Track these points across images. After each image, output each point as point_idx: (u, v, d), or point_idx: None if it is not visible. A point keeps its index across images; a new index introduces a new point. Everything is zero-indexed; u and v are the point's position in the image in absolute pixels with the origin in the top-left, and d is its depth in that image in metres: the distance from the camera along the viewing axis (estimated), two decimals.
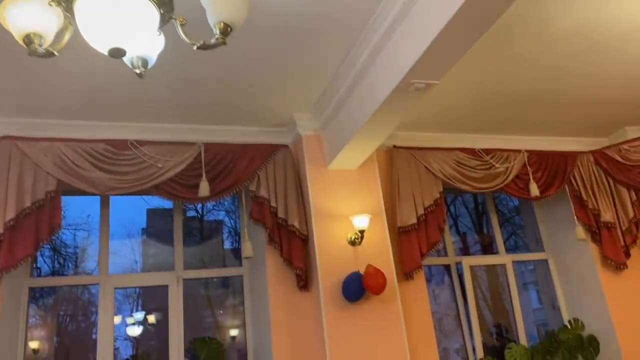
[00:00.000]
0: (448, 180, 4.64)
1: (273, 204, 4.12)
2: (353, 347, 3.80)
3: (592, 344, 4.60)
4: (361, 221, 4.06)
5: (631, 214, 4.93)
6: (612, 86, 4.33)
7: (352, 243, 4.10)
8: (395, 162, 4.58)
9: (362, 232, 4.07)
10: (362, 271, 3.92)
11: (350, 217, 4.10)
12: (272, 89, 3.88)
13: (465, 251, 7.35)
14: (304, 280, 4.05)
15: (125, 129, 4.07)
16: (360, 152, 4.09)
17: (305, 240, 4.10)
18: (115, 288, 4.24)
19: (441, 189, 4.61)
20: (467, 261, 5.05)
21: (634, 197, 4.96)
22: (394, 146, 4.63)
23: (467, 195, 9.17)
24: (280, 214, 4.10)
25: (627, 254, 4.90)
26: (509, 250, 5.38)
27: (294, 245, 4.07)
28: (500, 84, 4.16)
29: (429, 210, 4.47)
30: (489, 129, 4.94)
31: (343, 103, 3.88)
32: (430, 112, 4.46)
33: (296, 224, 4.08)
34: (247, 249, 4.09)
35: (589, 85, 4.29)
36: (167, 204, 4.79)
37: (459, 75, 3.88)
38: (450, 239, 5.17)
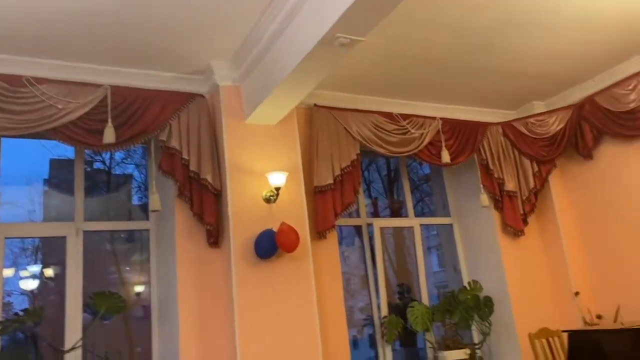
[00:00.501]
0: (366, 143, 4.65)
1: (185, 155, 3.92)
2: (262, 304, 3.77)
3: (487, 304, 4.89)
4: (277, 178, 3.98)
5: (532, 185, 5.23)
6: (526, 60, 4.50)
7: (267, 200, 4.01)
8: (315, 121, 4.51)
9: (277, 189, 3.99)
10: (275, 229, 3.86)
11: (266, 174, 4.00)
12: (189, 33, 3.63)
13: (375, 215, 7.55)
14: (215, 236, 3.93)
15: (22, 63, 3.65)
16: (280, 108, 3.96)
17: (217, 195, 3.96)
18: (7, 238, 3.88)
19: (358, 151, 4.62)
20: (378, 223, 5.16)
21: (536, 169, 5.25)
22: (315, 105, 4.55)
23: (381, 163, 9.42)
24: (192, 167, 3.91)
25: (525, 222, 5.22)
26: (417, 215, 5.57)
27: (206, 200, 3.92)
28: (422, 50, 4.19)
29: (345, 171, 4.47)
30: (408, 95, 4.98)
31: (265, 54, 3.72)
32: (353, 73, 4.41)
33: (209, 178, 3.91)
34: (154, 201, 3.88)
35: (506, 58, 4.42)
36: (71, 154, 4.43)
37: (383, 38, 3.86)
38: (363, 201, 5.24)
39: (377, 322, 4.91)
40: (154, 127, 3.90)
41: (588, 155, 5.14)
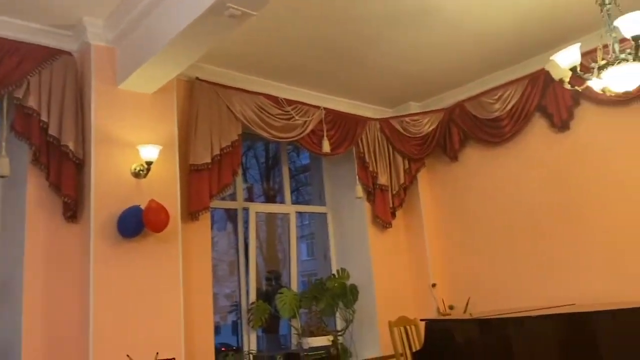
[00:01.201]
0: (248, 124, 4.52)
1: (44, 118, 3.48)
2: (122, 286, 3.49)
3: (352, 292, 5.04)
4: (149, 152, 3.70)
5: (402, 180, 5.47)
6: (407, 60, 4.67)
7: (137, 175, 3.72)
8: (196, 95, 4.28)
9: (149, 164, 3.72)
10: (143, 206, 3.59)
11: (137, 146, 3.70)
12: None
13: (250, 201, 7.42)
14: (73, 209, 3.55)
15: None
16: (159, 77, 3.69)
17: (79, 165, 3.58)
18: None
19: (240, 132, 4.48)
20: (254, 207, 5.07)
21: (407, 166, 5.51)
22: (197, 78, 4.32)
23: (259, 150, 9.31)
24: (52, 131, 3.50)
25: (394, 215, 5.46)
26: (293, 204, 5.58)
27: (65, 170, 3.52)
28: (311, 38, 4.16)
29: (225, 151, 4.31)
30: (295, 81, 4.94)
31: (146, 15, 3.42)
32: (241, 52, 4.26)
33: (71, 145, 3.52)
34: (2, 166, 3.39)
35: (389, 56, 4.55)
36: None
37: (274, 21, 3.77)
38: (241, 185, 5.11)
39: (244, 308, 4.82)
40: (8, 82, 3.41)
41: (454, 157, 5.50)
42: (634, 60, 2.87)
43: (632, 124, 4.27)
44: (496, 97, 5.06)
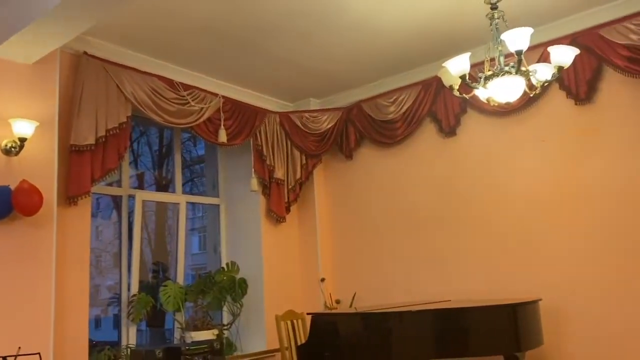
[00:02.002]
0: (140, 106, 4.27)
1: None
2: None
3: (241, 286, 4.96)
4: (23, 127, 3.38)
5: (298, 175, 5.48)
6: (309, 55, 4.66)
7: (7, 152, 3.39)
8: (82, 71, 3.96)
9: (22, 140, 3.40)
10: (13, 187, 3.26)
11: (9, 120, 3.36)
12: None
13: (141, 189, 7.05)
14: None
15: None
16: (40, 45, 3.38)
17: None
18: None
19: (129, 114, 4.22)
20: (141, 195, 4.81)
21: (304, 161, 5.53)
22: (85, 53, 4.00)
23: (153, 137, 8.87)
24: None
25: (288, 210, 5.45)
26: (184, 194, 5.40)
27: None
28: (210, 22, 4.00)
29: (111, 132, 4.03)
30: (192, 65, 4.74)
31: None
32: (135, 28, 4.00)
33: None
34: None
35: (292, 49, 4.51)
36: None
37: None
38: (127, 171, 4.82)
39: (124, 301, 4.55)
40: None
41: (349, 155, 5.61)
42: (516, 73, 3.09)
43: (510, 134, 4.61)
44: (392, 99, 5.24)
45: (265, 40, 4.34)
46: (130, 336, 4.49)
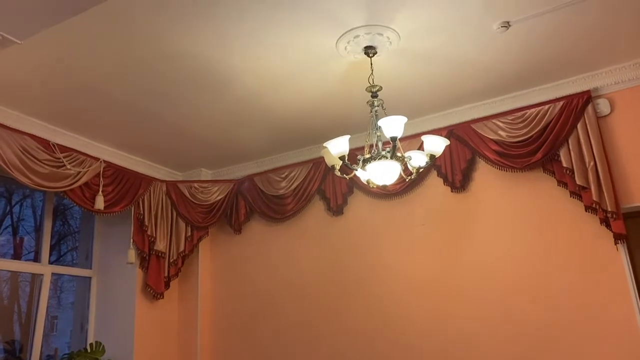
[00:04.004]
0: (6, 167, 3.91)
1: None
2: None
3: None
4: None
5: (182, 248, 5.21)
6: (203, 125, 4.58)
7: None
8: None
9: None
10: None
11: None
12: None
13: (17, 257, 6.34)
14: None
15: None
16: None
17: None
18: None
19: None
20: None
21: (189, 233, 5.29)
22: None
23: (38, 199, 8.18)
24: None
25: (167, 285, 5.11)
26: (65, 262, 4.95)
27: None
28: (94, 83, 3.80)
29: None
30: (73, 127, 4.46)
31: None
32: (8, 82, 3.72)
33: None
34: None
35: (185, 116, 4.40)
36: None
37: (54, 57, 3.39)
38: None
39: None
40: None
41: (238, 229, 5.46)
42: (391, 158, 3.20)
43: (393, 216, 4.73)
44: (284, 175, 5.24)
45: (155, 106, 4.20)
46: None
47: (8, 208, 5.49)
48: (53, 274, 4.81)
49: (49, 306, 4.95)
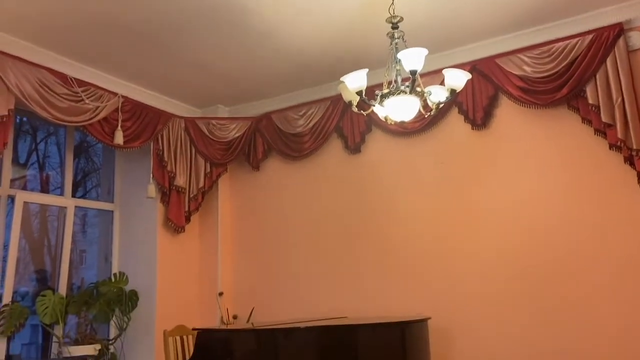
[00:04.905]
0: (25, 100, 3.94)
1: None
2: None
3: (131, 298, 4.68)
4: None
5: (201, 184, 5.27)
6: (221, 59, 4.49)
7: None
8: None
9: None
10: None
11: None
12: None
13: (44, 192, 6.52)
14: None
15: None
16: None
17: None
18: None
19: (12, 107, 3.88)
20: (22, 196, 4.40)
21: (208, 170, 5.33)
22: None
23: (62, 137, 8.29)
24: None
25: (188, 219, 5.22)
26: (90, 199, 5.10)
27: None
28: (121, 16, 3.75)
29: None
30: (89, 60, 4.42)
31: None
32: (23, 14, 3.67)
33: None
34: None
35: (202, 50, 4.31)
36: None
37: None
38: (9, 168, 4.41)
39: None
40: None
41: (256, 167, 5.49)
42: (410, 92, 3.13)
43: (412, 155, 4.69)
44: (301, 113, 5.19)
45: (173, 39, 4.13)
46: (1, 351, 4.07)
47: (33, 145, 5.58)
48: (79, 210, 4.94)
49: (77, 240, 5.14)
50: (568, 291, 3.91)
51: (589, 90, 3.91)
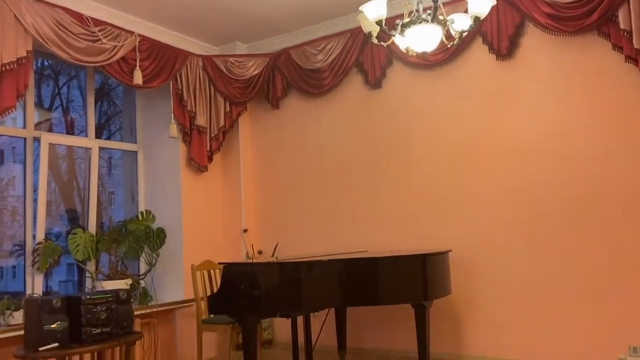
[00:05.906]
0: (42, 41, 3.93)
1: None
2: None
3: (159, 236, 4.82)
4: None
5: (222, 123, 5.28)
6: None
7: None
8: None
9: None
10: None
11: None
12: None
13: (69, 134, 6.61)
14: None
15: None
16: None
17: None
18: None
19: (30, 48, 3.87)
20: (48, 138, 4.47)
21: (228, 109, 5.32)
22: None
23: (83, 80, 8.29)
24: None
25: (210, 159, 5.27)
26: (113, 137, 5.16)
27: None
28: None
29: (7, 67, 3.69)
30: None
31: None
32: None
33: None
34: None
35: None
36: None
37: None
38: (32, 111, 4.46)
39: (29, 249, 4.30)
40: None
41: (275, 105, 5.45)
42: (432, 21, 3.01)
43: (434, 88, 4.60)
44: (320, 47, 5.08)
45: None
46: (36, 285, 4.27)
47: (56, 89, 5.61)
48: (104, 152, 5.01)
49: (105, 182, 5.25)
50: (592, 223, 3.88)
51: (621, 15, 3.71)
